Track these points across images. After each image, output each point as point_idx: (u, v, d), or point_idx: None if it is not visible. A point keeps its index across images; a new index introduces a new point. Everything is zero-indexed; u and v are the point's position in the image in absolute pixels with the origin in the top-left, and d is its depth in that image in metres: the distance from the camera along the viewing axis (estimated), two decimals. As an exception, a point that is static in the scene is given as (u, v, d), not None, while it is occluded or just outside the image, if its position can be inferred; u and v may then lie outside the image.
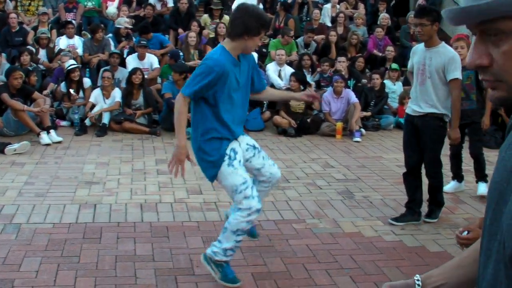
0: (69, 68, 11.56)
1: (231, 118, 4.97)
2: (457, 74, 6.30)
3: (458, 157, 7.78)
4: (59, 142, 10.23)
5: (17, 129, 10.56)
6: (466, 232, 3.47)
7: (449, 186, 7.82)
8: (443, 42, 6.44)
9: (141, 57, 12.92)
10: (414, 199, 6.81)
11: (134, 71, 11.56)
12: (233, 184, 4.89)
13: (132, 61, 12.84)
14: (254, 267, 5.44)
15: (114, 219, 6.59)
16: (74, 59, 12.32)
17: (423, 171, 6.75)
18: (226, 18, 15.27)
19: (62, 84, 11.75)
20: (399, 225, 6.60)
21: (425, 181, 6.78)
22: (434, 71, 6.35)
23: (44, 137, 10.12)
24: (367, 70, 13.71)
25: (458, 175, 7.91)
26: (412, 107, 6.62)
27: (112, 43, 13.90)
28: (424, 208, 6.83)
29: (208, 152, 4.98)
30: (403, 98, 11.65)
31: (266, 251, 5.81)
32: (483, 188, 7.60)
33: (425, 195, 6.83)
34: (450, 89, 6.37)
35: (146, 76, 12.09)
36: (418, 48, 6.63)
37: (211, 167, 4.99)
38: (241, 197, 4.88)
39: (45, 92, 11.69)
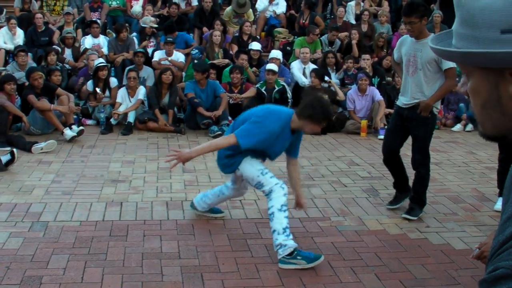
0: (98, 65, 11.63)
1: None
2: (451, 63, 6.23)
3: (506, 173, 7.58)
4: (81, 133, 10.33)
5: (44, 127, 10.64)
6: (476, 250, 3.44)
7: (498, 203, 7.16)
8: (432, 34, 6.30)
9: (168, 54, 12.97)
10: (401, 179, 6.99)
11: (165, 70, 11.52)
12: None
13: (159, 56, 12.96)
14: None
15: (140, 217, 6.61)
16: (99, 57, 12.41)
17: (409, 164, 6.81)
18: (250, 13, 15.29)
19: (89, 83, 11.80)
20: (411, 218, 6.63)
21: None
22: (426, 63, 6.33)
23: (68, 132, 10.21)
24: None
25: None
26: (402, 99, 6.66)
27: (136, 42, 13.95)
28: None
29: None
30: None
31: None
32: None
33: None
34: (445, 78, 6.37)
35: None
36: (407, 40, 6.60)
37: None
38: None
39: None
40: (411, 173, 6.87)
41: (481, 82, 1.30)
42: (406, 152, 7.12)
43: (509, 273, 1.11)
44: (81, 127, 10.49)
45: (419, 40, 6.38)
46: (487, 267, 1.17)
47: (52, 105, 10.49)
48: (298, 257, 5.34)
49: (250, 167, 5.64)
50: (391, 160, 6.92)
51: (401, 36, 6.91)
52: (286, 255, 5.33)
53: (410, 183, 6.91)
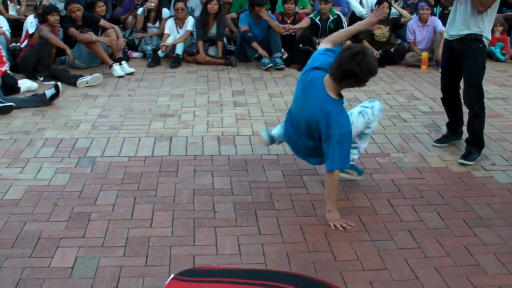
0: None
1: None
2: None
3: None
4: (132, 74, 10.09)
5: (89, 61, 10.42)
6: None
7: None
8: None
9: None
10: (457, 120, 6.70)
11: (210, 0, 11.16)
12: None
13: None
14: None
15: (191, 152, 6.43)
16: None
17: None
18: None
19: (140, 9, 11.51)
20: (468, 163, 6.19)
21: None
22: None
23: (117, 69, 9.97)
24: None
25: None
26: (449, 32, 6.27)
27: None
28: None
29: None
30: (495, 25, 11.01)
31: (349, 185, 5.57)
32: None
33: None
34: None
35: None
36: None
37: None
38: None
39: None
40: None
41: None
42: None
43: None
44: (131, 69, 10.19)
45: None
46: None
47: (95, 36, 10.23)
48: (353, 169, 5.54)
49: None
50: (450, 98, 6.60)
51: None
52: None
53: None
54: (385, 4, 11.09)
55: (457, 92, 6.57)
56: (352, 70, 4.63)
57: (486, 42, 6.18)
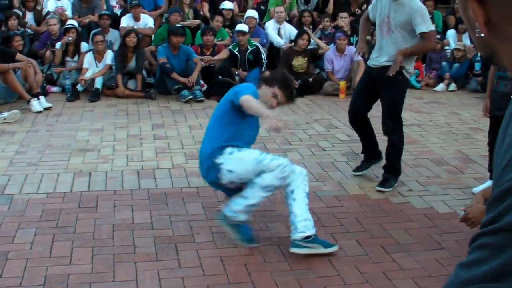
0: (66, 27, 11.30)
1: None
2: (425, 27, 6.01)
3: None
4: (49, 108, 9.93)
5: (7, 96, 10.21)
6: (462, 213, 3.32)
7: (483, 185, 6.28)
8: None
9: (136, 18, 12.38)
10: (369, 142, 6.74)
11: (128, 33, 11.12)
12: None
13: (126, 23, 12.35)
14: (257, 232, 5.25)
15: (111, 187, 6.38)
16: (62, 21, 11.98)
17: (379, 128, 6.54)
18: None
19: (58, 44, 11.35)
20: (385, 190, 6.31)
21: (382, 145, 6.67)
22: (400, 24, 6.07)
23: (35, 104, 9.79)
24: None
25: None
26: (371, 60, 6.40)
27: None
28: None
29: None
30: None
31: (269, 216, 5.63)
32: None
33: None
34: (424, 41, 6.13)
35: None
36: None
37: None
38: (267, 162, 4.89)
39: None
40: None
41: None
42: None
43: None
44: (49, 104, 10.02)
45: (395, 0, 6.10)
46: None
47: (10, 64, 10.02)
48: (238, 228, 4.99)
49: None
50: (357, 122, 6.67)
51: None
52: (235, 221, 4.97)
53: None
54: (305, 36, 11.32)
55: (365, 116, 6.62)
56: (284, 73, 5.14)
57: (407, 75, 6.28)
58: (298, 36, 11.62)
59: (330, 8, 13.69)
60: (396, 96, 6.28)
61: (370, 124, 6.67)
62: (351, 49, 11.33)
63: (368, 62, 6.53)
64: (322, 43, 11.85)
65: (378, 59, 6.28)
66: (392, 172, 6.44)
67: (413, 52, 6.27)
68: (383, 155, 6.62)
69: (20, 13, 12.47)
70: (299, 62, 11.43)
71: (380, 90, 6.31)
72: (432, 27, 6.13)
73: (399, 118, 6.35)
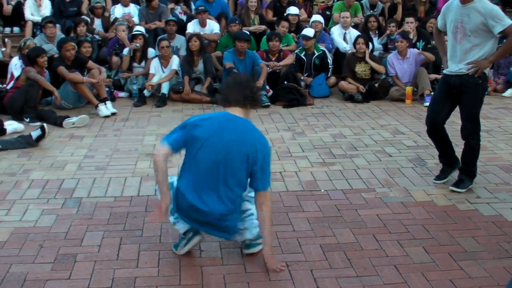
0: (133, 33, 11.52)
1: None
2: (501, 26, 5.91)
3: None
4: (115, 114, 10.11)
5: (75, 101, 10.45)
6: None
7: None
8: None
9: (202, 24, 12.54)
10: (447, 151, 6.65)
11: (190, 37, 11.27)
12: None
13: (193, 28, 12.52)
14: (322, 238, 5.22)
15: (176, 191, 6.41)
16: (129, 28, 12.20)
17: (457, 134, 6.49)
18: None
19: (126, 49, 11.58)
20: (459, 191, 6.31)
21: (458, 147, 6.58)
22: (474, 28, 5.98)
23: (103, 109, 10.00)
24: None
25: None
26: (449, 68, 6.31)
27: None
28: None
29: None
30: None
31: (335, 222, 5.59)
32: None
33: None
34: (508, 36, 5.99)
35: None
36: (453, 4, 6.20)
37: None
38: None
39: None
40: (460, 142, 6.57)
41: None
42: (455, 120, 6.81)
43: None
44: (114, 110, 10.19)
45: (465, 4, 6.02)
46: None
47: (85, 77, 10.29)
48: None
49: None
50: (436, 132, 6.58)
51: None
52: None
53: (457, 154, 6.60)
54: (360, 40, 11.31)
55: (443, 125, 6.55)
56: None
57: (486, 77, 6.26)
58: (354, 41, 11.60)
59: (398, 15, 13.54)
60: (476, 100, 6.24)
61: (446, 133, 6.62)
62: (414, 52, 11.23)
63: (444, 71, 6.48)
64: (377, 66, 11.57)
65: (456, 66, 6.22)
66: (468, 174, 6.43)
67: (499, 56, 6.37)
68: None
69: (89, 19, 12.74)
70: (362, 68, 11.33)
71: (460, 95, 6.25)
72: (509, 21, 6.00)
73: (478, 122, 6.32)
